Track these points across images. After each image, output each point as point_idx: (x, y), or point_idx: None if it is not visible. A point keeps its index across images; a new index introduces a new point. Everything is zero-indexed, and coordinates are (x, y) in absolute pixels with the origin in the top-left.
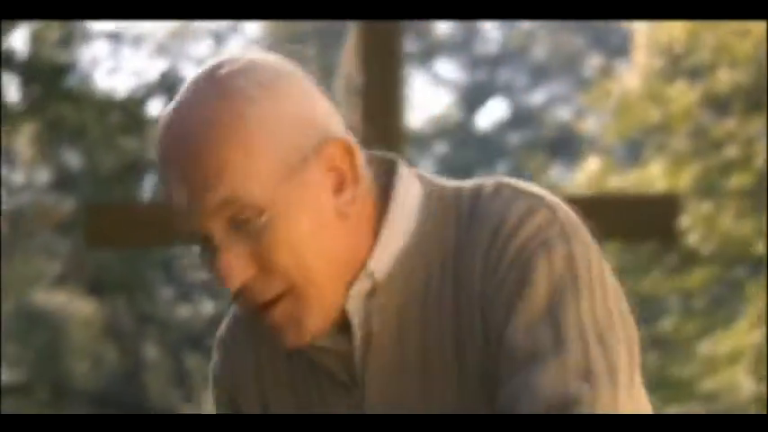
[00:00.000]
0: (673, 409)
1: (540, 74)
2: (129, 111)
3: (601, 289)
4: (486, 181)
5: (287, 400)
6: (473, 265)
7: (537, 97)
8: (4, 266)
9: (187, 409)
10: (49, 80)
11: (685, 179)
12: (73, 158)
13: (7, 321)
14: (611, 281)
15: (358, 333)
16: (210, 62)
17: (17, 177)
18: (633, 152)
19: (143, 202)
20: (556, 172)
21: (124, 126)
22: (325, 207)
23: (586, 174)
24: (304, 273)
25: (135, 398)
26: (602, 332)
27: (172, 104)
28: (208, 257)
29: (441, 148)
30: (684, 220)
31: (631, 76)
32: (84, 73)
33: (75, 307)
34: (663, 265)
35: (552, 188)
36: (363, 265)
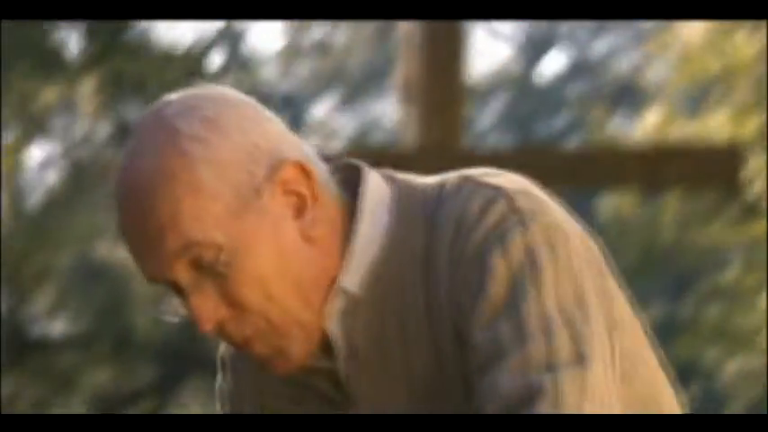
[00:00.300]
0: (735, 362)
1: (600, 24)
2: (188, 64)
3: (568, 272)
4: (450, 177)
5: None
6: (440, 267)
7: (597, 48)
8: (66, 220)
9: None
10: (110, 33)
11: (748, 130)
12: (133, 111)
13: (69, 274)
14: (592, 259)
15: (341, 351)
16: (156, 103)
17: (78, 130)
18: (695, 103)
19: None
20: (616, 123)
21: (184, 79)
22: (287, 233)
23: (648, 125)
24: (277, 304)
25: (196, 351)
26: (570, 317)
27: (123, 151)
28: (182, 301)
29: (501, 100)
30: (747, 171)
31: (692, 26)
32: (144, 26)
33: None
34: (725, 216)
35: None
36: (335, 281)
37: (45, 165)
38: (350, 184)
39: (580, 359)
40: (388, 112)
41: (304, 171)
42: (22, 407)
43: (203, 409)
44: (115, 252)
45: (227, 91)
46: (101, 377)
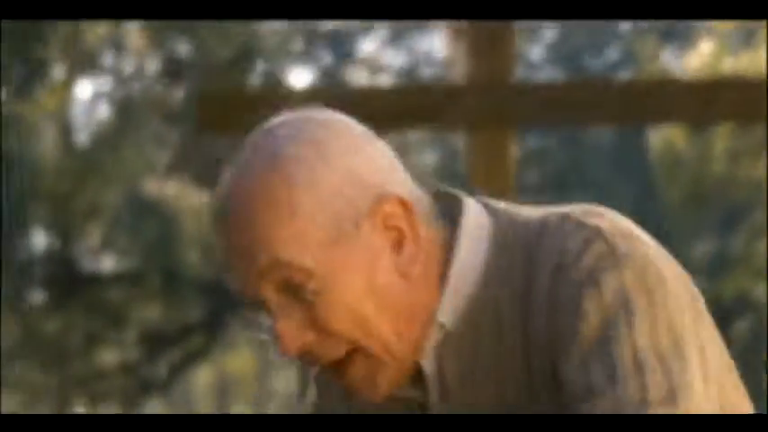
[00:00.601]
0: None
1: None
2: None
3: (663, 315)
4: (553, 212)
5: None
6: (538, 304)
7: None
8: (115, 156)
9: None
10: None
11: None
12: (183, 47)
13: (118, 210)
14: (688, 302)
15: (433, 384)
16: (269, 122)
17: (127, 66)
18: (746, 36)
19: (254, 88)
20: (667, 56)
21: None
22: (384, 267)
23: (699, 57)
24: (366, 332)
25: None
26: (664, 353)
27: (228, 169)
28: (269, 320)
29: (550, 34)
30: None
31: None
32: None
33: (186, 196)
34: None
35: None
36: (432, 314)
37: (94, 101)
38: (450, 213)
39: (677, 391)
40: (437, 46)
41: (406, 207)
42: (75, 342)
43: (250, 346)
44: (164, 188)
45: (338, 117)
46: (150, 313)
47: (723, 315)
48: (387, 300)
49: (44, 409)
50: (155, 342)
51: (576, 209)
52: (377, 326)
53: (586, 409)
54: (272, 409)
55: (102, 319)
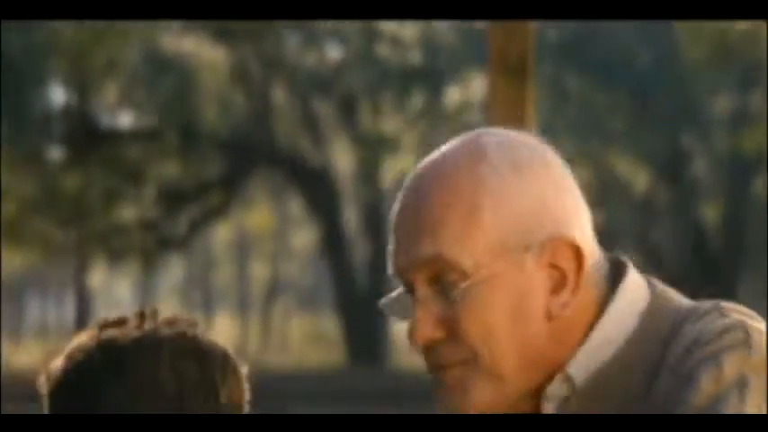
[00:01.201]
0: None
1: None
2: None
3: None
4: (704, 303)
5: None
6: (663, 378)
7: None
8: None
9: (314, 156)
10: None
11: None
12: None
13: (136, 67)
14: None
15: None
16: (485, 128)
17: None
18: None
19: None
20: None
21: None
22: (535, 302)
23: None
24: (491, 351)
25: (262, 142)
26: None
27: (431, 154)
28: (408, 305)
29: None
30: None
31: None
32: None
33: (204, 52)
34: None
35: None
36: (559, 366)
37: None
38: (612, 277)
39: None
40: None
41: (578, 256)
42: (93, 198)
43: (268, 202)
44: (181, 44)
45: (548, 150)
46: (168, 170)
47: (743, 170)
48: (524, 332)
49: (64, 265)
50: (173, 199)
51: (728, 304)
52: (504, 351)
53: None
54: (289, 264)
55: (120, 176)
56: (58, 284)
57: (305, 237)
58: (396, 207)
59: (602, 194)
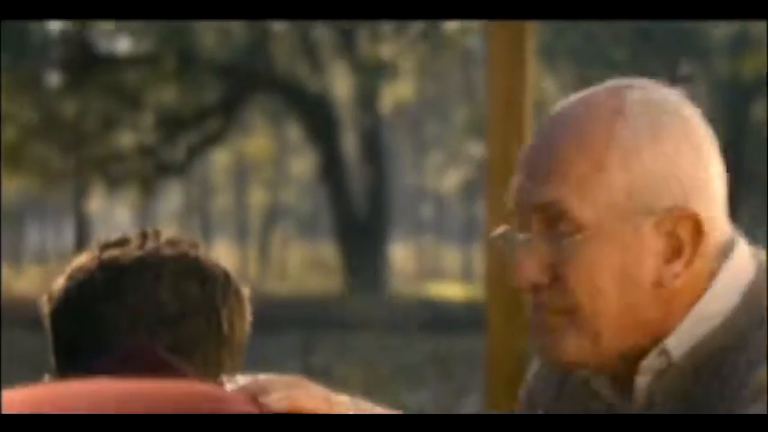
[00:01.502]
0: None
1: None
2: None
3: None
4: None
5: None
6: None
7: None
8: None
9: (313, 82)
10: None
11: None
12: None
13: None
14: None
15: (639, 404)
16: (639, 80)
17: None
18: None
19: None
20: None
21: None
22: (647, 268)
23: None
24: (593, 306)
25: (261, 68)
26: None
27: (575, 96)
28: (518, 242)
29: None
30: None
31: None
32: None
33: None
34: None
35: None
36: (658, 337)
37: None
38: (725, 252)
39: None
40: None
41: (699, 231)
42: (92, 124)
43: (266, 128)
44: None
45: (694, 117)
46: (166, 96)
47: (742, 94)
48: (630, 295)
49: (63, 191)
50: (171, 125)
51: None
52: (606, 308)
53: None
54: (288, 191)
55: (118, 102)
56: (57, 211)
57: (304, 163)
58: (530, 142)
59: None
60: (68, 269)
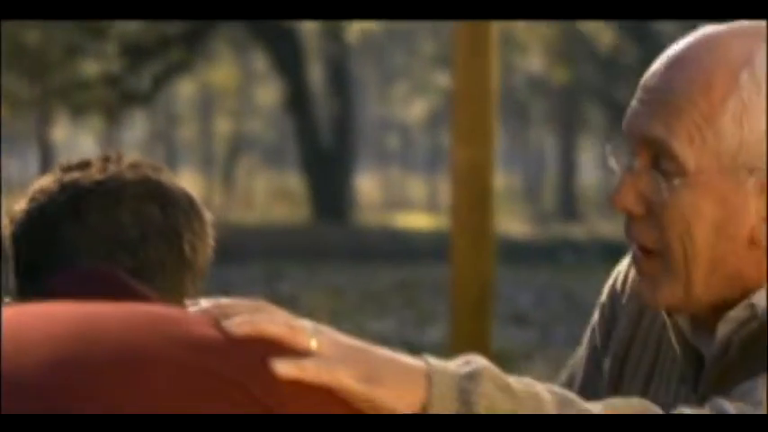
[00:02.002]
0: None
1: None
2: None
3: None
4: None
5: (645, 358)
6: None
7: None
8: None
9: None
10: None
11: None
12: None
13: None
14: None
15: (714, 354)
16: (759, 24)
17: None
18: None
19: None
20: None
21: None
22: (744, 224)
23: None
24: (683, 248)
25: None
26: None
27: (705, 31)
28: (624, 165)
29: None
30: None
31: None
32: None
33: None
34: None
35: None
36: (746, 293)
37: None
38: None
39: None
40: None
41: None
42: (56, 55)
43: (232, 59)
44: None
45: None
46: (130, 25)
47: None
48: (723, 248)
49: (26, 120)
50: (135, 54)
51: None
52: (696, 255)
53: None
54: (253, 121)
55: (82, 31)
56: (21, 139)
57: (269, 93)
58: (655, 66)
59: (568, 51)
60: (30, 191)
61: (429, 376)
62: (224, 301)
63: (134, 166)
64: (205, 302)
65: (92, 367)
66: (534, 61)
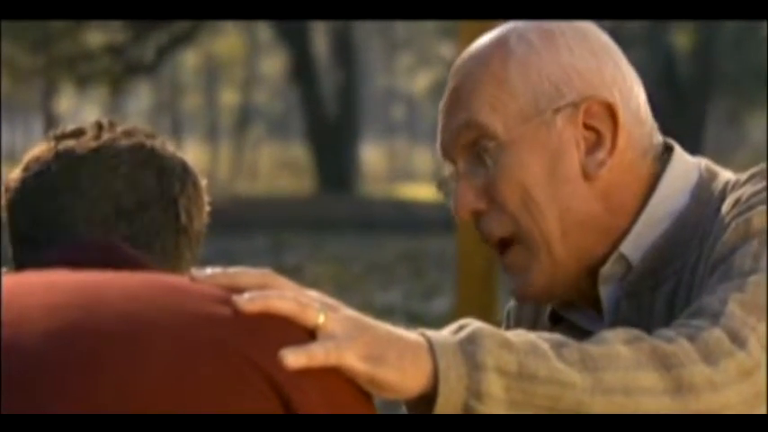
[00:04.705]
0: None
1: None
2: None
3: None
4: (753, 169)
5: None
6: (710, 243)
7: None
8: None
9: None
10: None
11: None
12: None
13: None
14: None
15: (607, 317)
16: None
17: None
18: None
19: None
20: None
21: None
22: (569, 162)
23: None
24: (532, 216)
25: None
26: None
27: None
28: (450, 181)
29: None
30: None
31: None
32: None
33: None
34: None
35: None
36: (613, 241)
37: None
38: (665, 159)
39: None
40: None
41: (612, 114)
42: (60, 26)
43: (238, 30)
44: None
45: (589, 25)
46: None
47: None
48: (561, 192)
49: (31, 91)
50: (140, 24)
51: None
52: (543, 214)
53: (678, 325)
54: (259, 91)
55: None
56: (26, 110)
57: (274, 64)
58: (446, 89)
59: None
60: (24, 160)
61: (431, 349)
62: (231, 270)
63: (128, 133)
64: (210, 270)
65: (92, 336)
66: None
